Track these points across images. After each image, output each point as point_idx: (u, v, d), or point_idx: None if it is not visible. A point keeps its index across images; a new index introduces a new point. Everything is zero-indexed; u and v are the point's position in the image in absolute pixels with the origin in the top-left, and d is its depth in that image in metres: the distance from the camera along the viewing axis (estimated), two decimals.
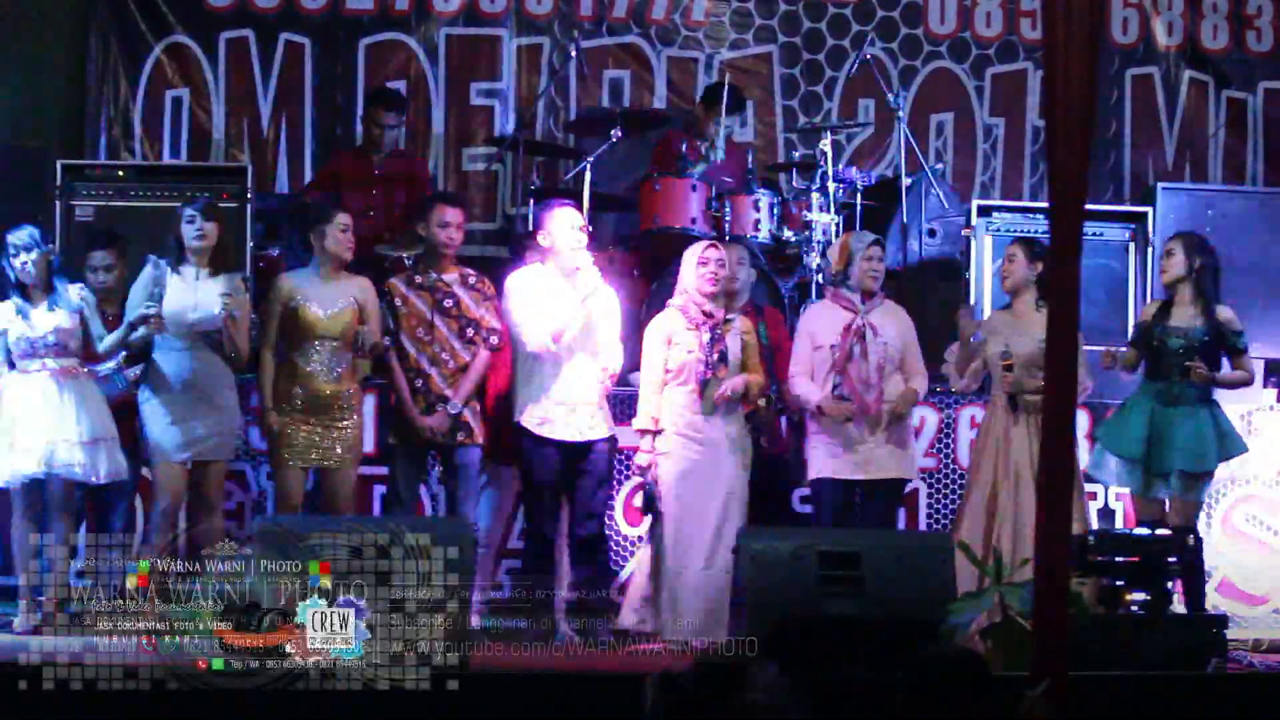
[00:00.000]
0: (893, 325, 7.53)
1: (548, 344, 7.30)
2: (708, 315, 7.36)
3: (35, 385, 7.09)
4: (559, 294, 7.36)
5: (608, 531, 7.73)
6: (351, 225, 7.45)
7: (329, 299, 7.31)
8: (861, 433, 7.39)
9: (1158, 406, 7.38)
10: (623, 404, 7.75)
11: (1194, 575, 7.31)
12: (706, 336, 7.32)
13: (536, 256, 7.73)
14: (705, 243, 7.59)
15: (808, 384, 7.47)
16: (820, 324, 7.56)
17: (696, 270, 7.38)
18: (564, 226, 7.42)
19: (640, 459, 7.39)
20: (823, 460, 7.45)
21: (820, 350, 7.48)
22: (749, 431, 7.45)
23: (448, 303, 7.49)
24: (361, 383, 7.78)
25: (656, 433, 7.34)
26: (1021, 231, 8.42)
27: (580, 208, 7.76)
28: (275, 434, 7.24)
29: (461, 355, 7.47)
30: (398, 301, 7.47)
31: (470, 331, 7.48)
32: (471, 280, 7.58)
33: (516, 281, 7.48)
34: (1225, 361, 7.52)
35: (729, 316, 7.42)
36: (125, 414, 7.28)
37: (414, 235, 8.66)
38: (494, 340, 7.50)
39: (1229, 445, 7.47)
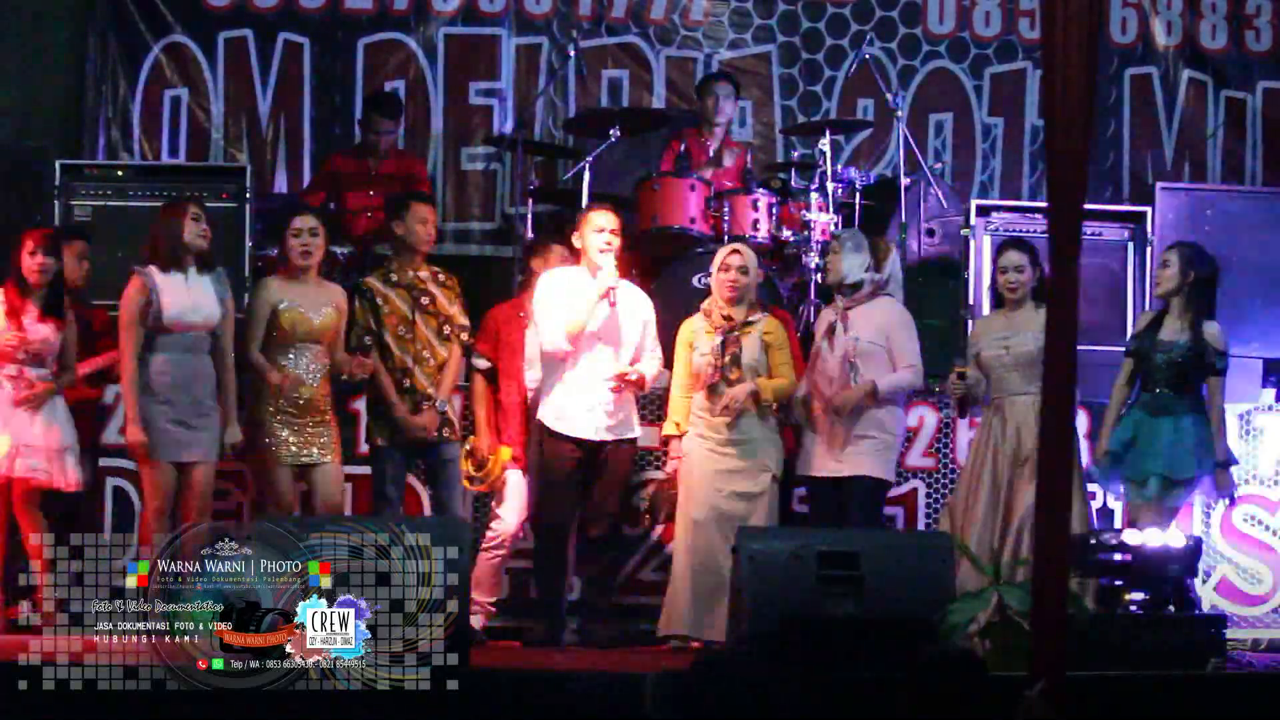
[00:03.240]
0: (870, 321, 7.47)
1: (562, 344, 7.33)
2: (727, 319, 7.37)
3: (4, 392, 7.12)
4: (583, 295, 7.37)
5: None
6: (308, 229, 7.30)
7: (315, 303, 7.29)
8: (833, 428, 7.38)
9: (1145, 417, 7.36)
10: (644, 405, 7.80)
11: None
12: (719, 340, 7.33)
13: (538, 258, 7.77)
14: (728, 248, 7.59)
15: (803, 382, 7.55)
16: (819, 323, 7.64)
17: (717, 275, 7.42)
18: (592, 227, 7.44)
19: (669, 465, 7.44)
20: (805, 457, 7.49)
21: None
22: (778, 432, 7.47)
23: (425, 300, 7.49)
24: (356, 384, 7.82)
25: (680, 437, 7.39)
26: (1020, 231, 8.41)
27: (616, 209, 7.71)
28: (256, 437, 7.24)
29: (440, 352, 7.48)
30: (379, 300, 7.46)
31: (446, 329, 7.50)
32: (441, 278, 7.59)
33: (544, 281, 7.51)
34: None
35: (751, 319, 7.42)
36: (84, 413, 7.35)
37: None
38: (465, 337, 7.52)
39: (1212, 456, 7.39)
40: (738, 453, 7.31)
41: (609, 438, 7.39)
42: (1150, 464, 7.27)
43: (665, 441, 7.53)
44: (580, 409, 7.36)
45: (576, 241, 7.52)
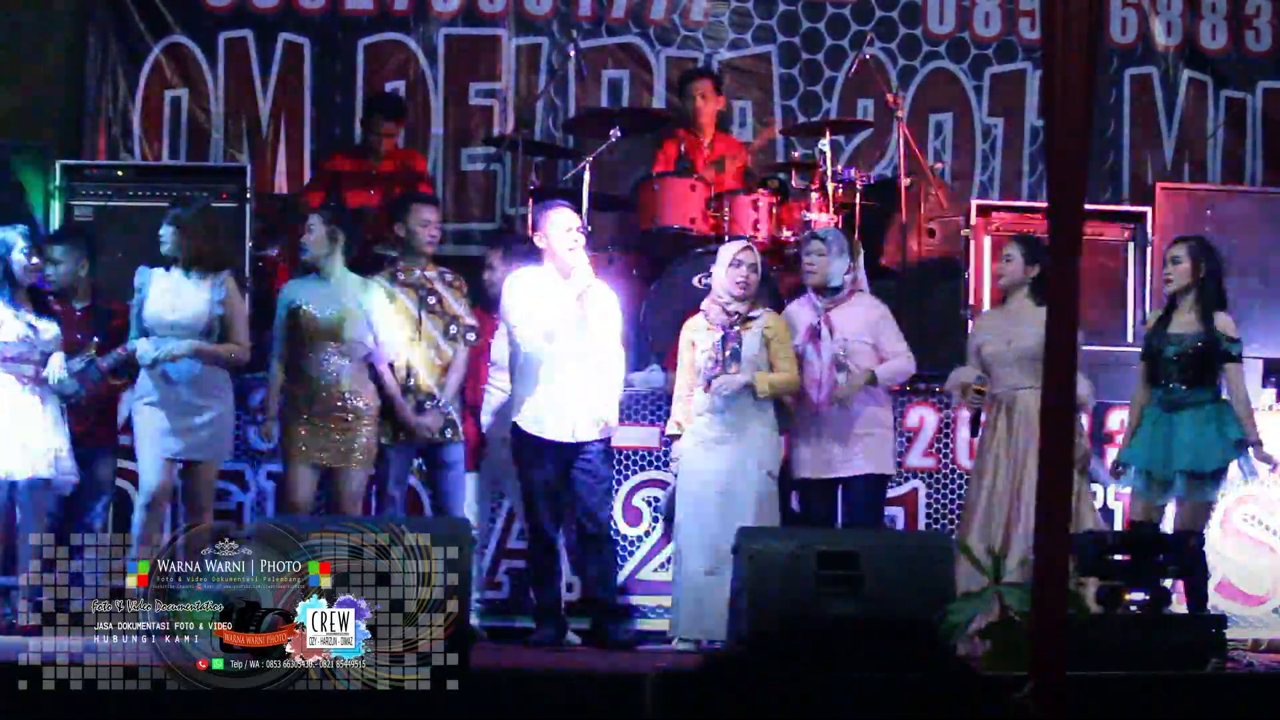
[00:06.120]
0: (854, 319, 7.49)
1: (541, 344, 7.31)
2: (728, 315, 7.37)
3: (11, 388, 7.13)
4: (555, 294, 7.37)
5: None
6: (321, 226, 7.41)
7: (325, 301, 7.31)
8: (826, 430, 7.39)
9: (1160, 413, 7.34)
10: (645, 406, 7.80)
11: (1197, 577, 7.27)
12: (719, 336, 7.34)
13: (533, 257, 7.77)
14: (740, 244, 7.58)
15: None
16: (794, 324, 7.59)
17: (728, 271, 7.40)
18: (559, 228, 7.43)
19: (673, 465, 7.46)
20: (801, 460, 7.49)
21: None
22: (777, 431, 7.46)
23: (431, 300, 7.52)
24: None
25: (678, 437, 7.40)
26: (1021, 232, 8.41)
27: (577, 208, 7.77)
28: (280, 435, 7.25)
29: (446, 352, 7.50)
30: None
31: (453, 329, 7.50)
32: (449, 277, 7.63)
33: (514, 282, 7.50)
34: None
35: (751, 315, 7.42)
36: (103, 408, 7.31)
37: None
38: (471, 337, 7.54)
39: (1235, 446, 7.38)
40: (733, 451, 7.31)
41: (586, 438, 7.38)
42: (1175, 460, 7.24)
43: (669, 441, 7.53)
44: (555, 411, 7.34)
45: (540, 241, 7.52)
